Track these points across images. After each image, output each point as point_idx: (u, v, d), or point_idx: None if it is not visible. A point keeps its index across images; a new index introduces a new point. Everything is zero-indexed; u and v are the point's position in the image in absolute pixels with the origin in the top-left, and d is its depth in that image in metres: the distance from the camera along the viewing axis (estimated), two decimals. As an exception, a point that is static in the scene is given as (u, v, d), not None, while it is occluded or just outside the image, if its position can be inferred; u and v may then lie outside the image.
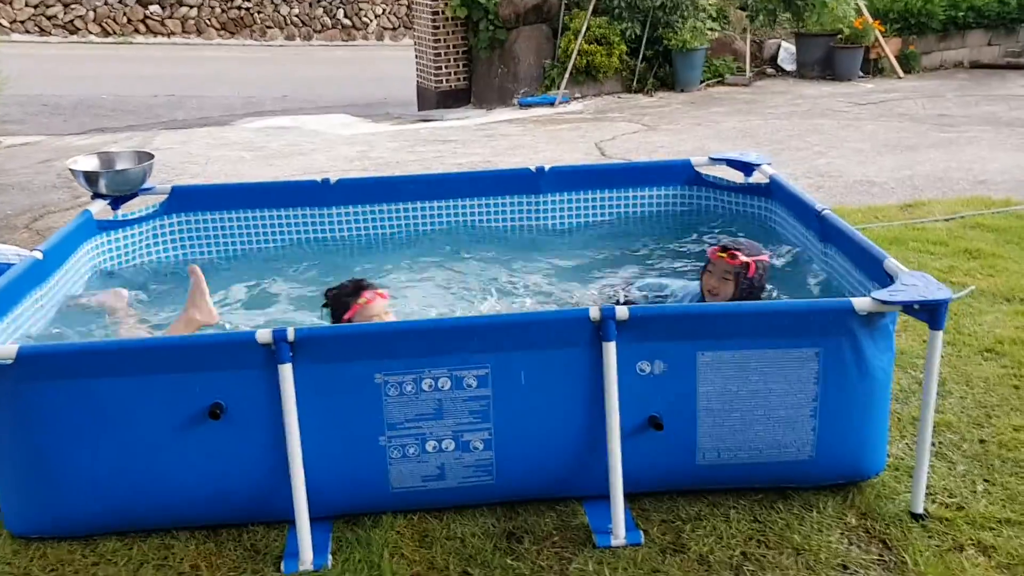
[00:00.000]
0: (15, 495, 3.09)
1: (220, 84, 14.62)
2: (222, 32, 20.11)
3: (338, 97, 14.13)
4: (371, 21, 21.37)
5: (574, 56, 11.87)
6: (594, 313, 2.98)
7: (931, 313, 2.96)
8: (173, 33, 19.57)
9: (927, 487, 3.20)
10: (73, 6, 18.85)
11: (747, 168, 4.66)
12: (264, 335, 2.92)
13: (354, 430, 3.04)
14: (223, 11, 20.03)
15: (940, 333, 2.99)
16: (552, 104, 11.75)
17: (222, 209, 4.66)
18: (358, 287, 3.53)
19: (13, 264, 3.80)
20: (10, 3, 18.48)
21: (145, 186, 4.52)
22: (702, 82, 12.58)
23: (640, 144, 9.15)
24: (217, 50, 19.06)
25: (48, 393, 2.93)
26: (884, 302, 2.96)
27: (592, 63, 12.08)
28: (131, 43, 18.93)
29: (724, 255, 3.74)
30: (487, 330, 3.02)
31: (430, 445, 3.06)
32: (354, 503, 3.15)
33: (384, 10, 21.33)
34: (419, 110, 13.05)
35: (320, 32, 21.15)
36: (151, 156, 4.53)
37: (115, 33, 19.12)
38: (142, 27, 19.38)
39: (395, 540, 3.08)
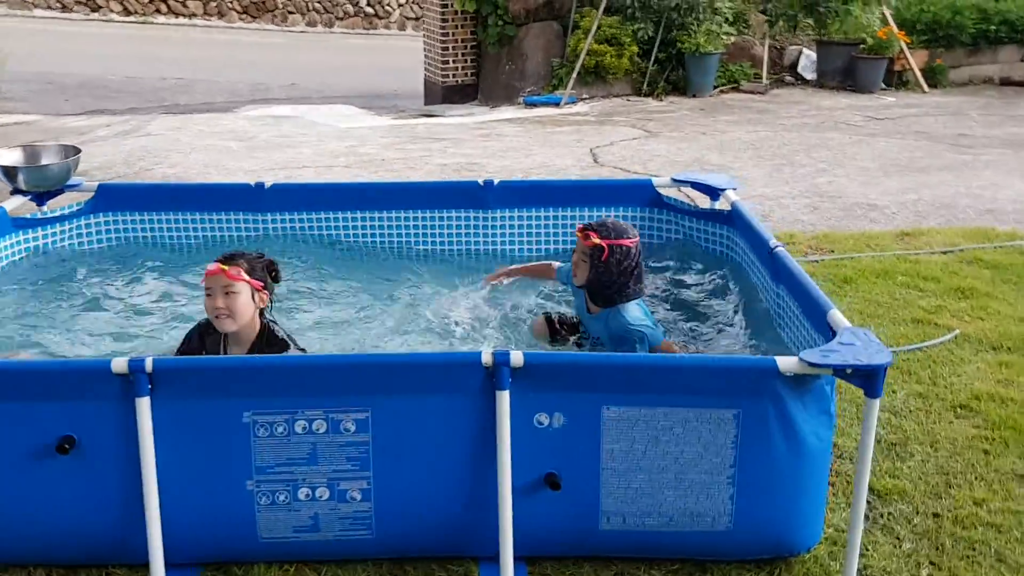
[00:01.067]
0: None
1: (232, 69, 14.43)
2: (244, 15, 19.96)
3: (348, 87, 13.89)
4: (393, 10, 21.11)
5: (583, 56, 11.53)
6: (486, 358, 2.68)
7: (866, 379, 2.63)
8: (195, 15, 19.44)
9: (864, 567, 2.88)
10: (95, -16, 18.82)
11: (713, 192, 4.32)
12: (119, 364, 2.65)
13: (219, 473, 2.76)
14: (245, -6, 19.90)
15: (876, 402, 2.65)
16: (557, 104, 11.42)
17: (151, 210, 4.40)
18: (222, 256, 3.31)
19: None
20: (32, -22, 18.49)
21: (71, 182, 4.28)
22: (716, 88, 12.19)
23: (636, 152, 8.81)
24: (236, 34, 18.90)
25: None
26: (812, 364, 2.63)
27: (601, 64, 11.73)
28: (152, 23, 18.83)
29: (581, 234, 3.50)
30: (368, 369, 2.73)
31: (303, 493, 2.78)
32: (220, 551, 2.87)
33: (407, -1, 21.09)
34: (425, 104, 12.78)
35: (342, 20, 20.93)
36: (77, 151, 4.29)
37: (136, 12, 19.02)
38: (164, 7, 19.27)
39: (264, 593, 2.81)
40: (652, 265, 4.37)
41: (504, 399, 2.69)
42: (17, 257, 4.18)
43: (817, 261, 5.67)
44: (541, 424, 2.75)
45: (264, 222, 4.43)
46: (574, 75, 11.58)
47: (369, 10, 21.15)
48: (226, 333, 3.28)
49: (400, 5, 21.17)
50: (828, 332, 2.96)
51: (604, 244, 3.43)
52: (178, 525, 2.77)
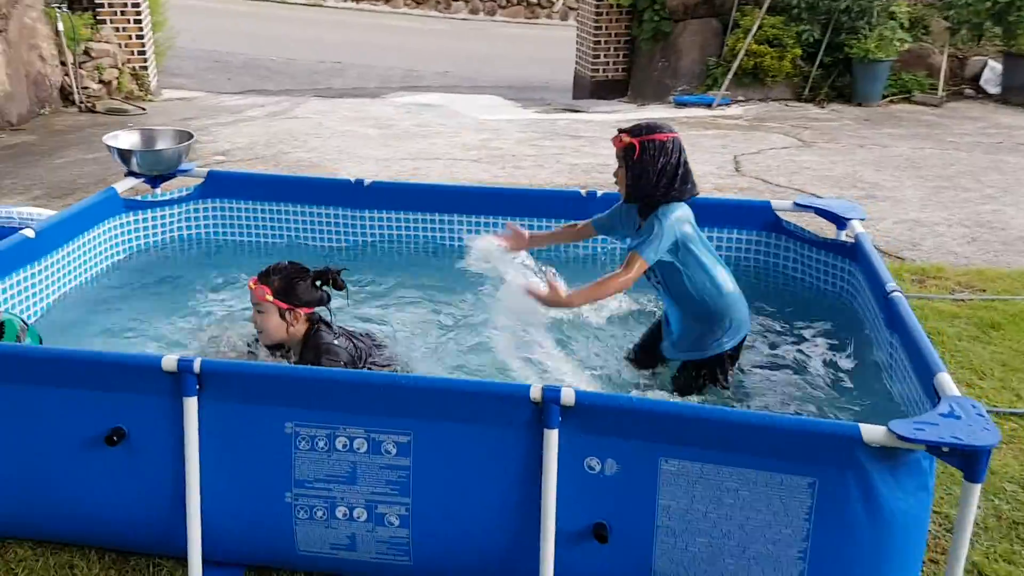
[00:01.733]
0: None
1: (389, 54, 14.68)
2: (409, 1, 20.30)
3: (499, 77, 13.86)
4: (557, 1, 20.96)
5: (741, 56, 11.03)
6: (535, 393, 2.49)
7: (966, 461, 2.29)
8: (362, -1, 19.95)
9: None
10: (271, -35, 19.58)
11: (839, 220, 3.94)
12: (169, 362, 2.62)
13: (260, 481, 2.70)
14: (412, -20, 20.24)
15: (976, 488, 2.30)
16: (710, 105, 10.98)
17: (256, 199, 4.42)
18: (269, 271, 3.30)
19: (17, 228, 3.71)
20: (214, -42, 19.39)
21: (183, 167, 4.35)
22: (884, 97, 11.41)
23: (784, 162, 8.32)
24: (400, 19, 19.25)
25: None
26: (902, 437, 2.31)
27: (760, 65, 11.19)
28: (323, 6, 19.43)
29: (615, 137, 3.27)
30: (411, 392, 2.59)
31: (340, 511, 2.68)
32: (260, 556, 2.82)
33: (572, -11, 20.88)
34: (573, 98, 12.59)
35: (504, 8, 20.96)
36: (190, 136, 4.35)
37: (308, -6, 19.71)
38: (333, -10, 19.88)
39: (298, 605, 2.74)
40: (762, 293, 4.04)
41: (552, 438, 2.50)
42: (127, 237, 4.29)
43: (963, 300, 5.13)
44: (591, 469, 2.54)
45: (362, 219, 4.38)
46: (730, 76, 11.10)
47: (532, 0, 21.09)
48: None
49: None
50: (934, 397, 2.60)
51: (635, 142, 3.18)
52: (219, 525, 2.73)
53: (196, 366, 2.61)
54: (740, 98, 11.30)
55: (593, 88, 12.28)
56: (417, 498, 2.64)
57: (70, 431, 2.74)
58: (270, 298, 3.22)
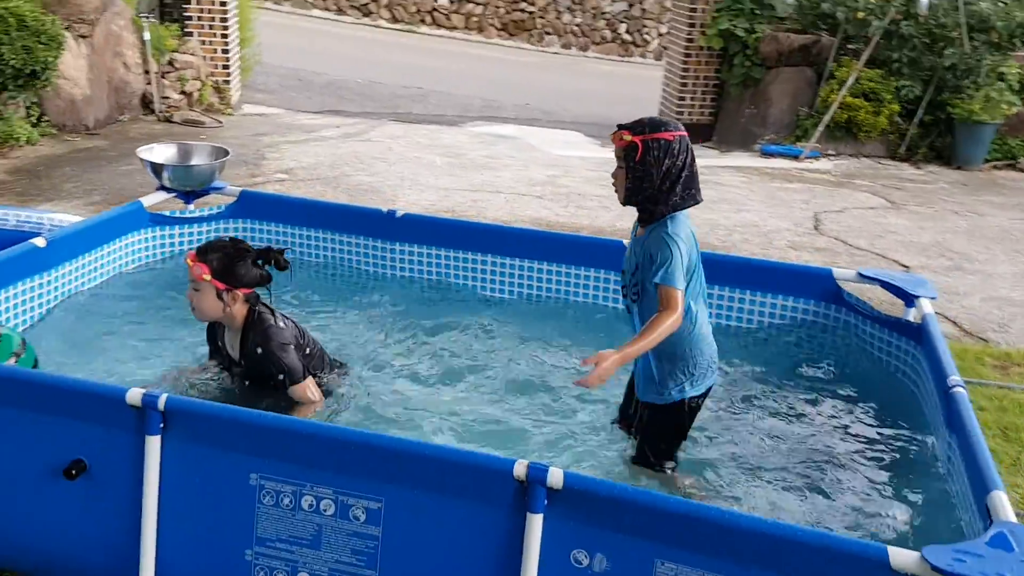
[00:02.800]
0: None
1: (473, 82, 14.62)
2: (502, 32, 20.32)
3: (582, 113, 13.65)
4: (652, 39, 20.72)
5: (834, 108, 10.57)
6: (519, 470, 2.22)
7: (1016, 600, 1.92)
8: (456, 28, 20.02)
9: None
10: (371, -10, 19.85)
11: (908, 297, 3.57)
12: (134, 396, 2.44)
13: (221, 533, 2.48)
14: (507, 12, 20.22)
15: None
16: (797, 157, 10.54)
17: (286, 222, 4.27)
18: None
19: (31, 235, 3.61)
20: (315, -21, 19.79)
21: (216, 184, 4.22)
22: (986, 162, 10.81)
23: (869, 224, 7.86)
24: (491, 49, 19.26)
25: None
26: (936, 568, 1.95)
27: (854, 119, 10.71)
28: (415, 32, 19.57)
29: (615, 134, 2.89)
30: (382, 452, 2.34)
31: (302, 578, 2.44)
32: (216, 616, 2.59)
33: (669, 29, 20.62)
34: (656, 140, 12.29)
35: (598, 44, 20.81)
36: (226, 153, 4.22)
37: (403, 21, 19.86)
38: (428, 18, 19.99)
39: (251, 677, 2.49)
40: (815, 369, 3.67)
41: (535, 524, 2.22)
42: (149, 252, 4.17)
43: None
44: (578, 564, 2.25)
45: (392, 251, 4.18)
46: (821, 128, 10.65)
47: (627, 37, 20.89)
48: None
49: (660, 35, 20.74)
50: (987, 518, 2.24)
51: (638, 141, 2.82)
52: (175, 573, 2.52)
53: (160, 403, 2.42)
54: (830, 152, 10.83)
55: (677, 131, 11.95)
56: (385, 573, 2.38)
57: (33, 457, 2.58)
58: (207, 277, 3.08)
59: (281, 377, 3.14)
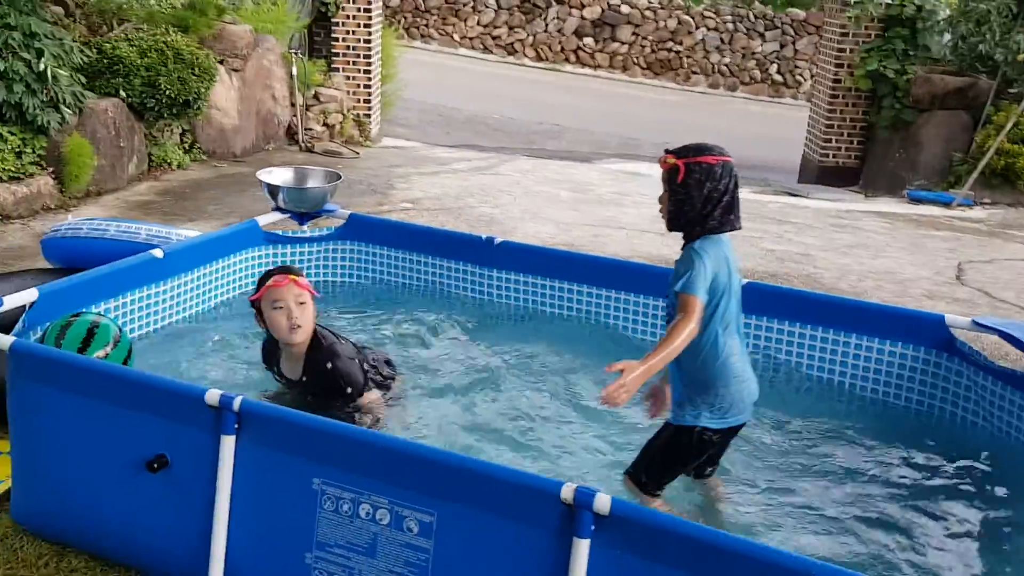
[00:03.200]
0: (18, 483, 3.03)
1: (611, 121, 14.66)
2: (646, 71, 20.31)
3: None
4: (804, 80, 20.23)
5: (990, 154, 10.00)
6: (566, 493, 2.17)
7: None
8: (600, 67, 20.16)
9: None
10: (516, 30, 20.22)
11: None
12: (212, 396, 2.53)
13: (283, 535, 2.54)
14: (652, 51, 20.22)
15: None
16: (948, 204, 10.00)
17: (390, 245, 4.38)
18: (274, 271, 3.32)
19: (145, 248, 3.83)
20: (464, 21, 20.32)
21: (328, 207, 4.38)
22: None
23: (1019, 277, 7.35)
24: (635, 88, 19.28)
25: (32, 392, 2.83)
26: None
27: (1012, 167, 10.08)
28: (559, 71, 19.83)
29: (661, 159, 2.90)
30: (434, 466, 2.34)
31: (358, 585, 2.45)
32: (280, 617, 2.64)
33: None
34: (798, 182, 11.95)
35: (747, 84, 20.49)
36: (338, 177, 4.37)
37: (547, 60, 20.17)
38: (573, 57, 20.21)
39: None
40: (920, 421, 3.43)
41: (582, 550, 2.16)
42: (264, 269, 4.35)
43: None
44: (628, 593, 2.16)
45: (489, 276, 4.22)
46: (975, 174, 10.08)
47: (778, 78, 20.49)
48: (291, 348, 3.30)
49: (813, 76, 20.23)
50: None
51: (680, 164, 2.80)
52: (241, 572, 2.58)
53: (236, 404, 2.51)
54: (985, 200, 10.22)
55: (820, 173, 11.60)
56: (438, 588, 2.36)
57: (120, 449, 2.71)
58: (310, 286, 3.25)
59: (349, 391, 3.23)
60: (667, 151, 2.92)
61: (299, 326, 3.23)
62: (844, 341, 3.69)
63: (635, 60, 20.27)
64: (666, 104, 17.79)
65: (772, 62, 20.47)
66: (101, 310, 3.53)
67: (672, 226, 2.93)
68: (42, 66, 6.09)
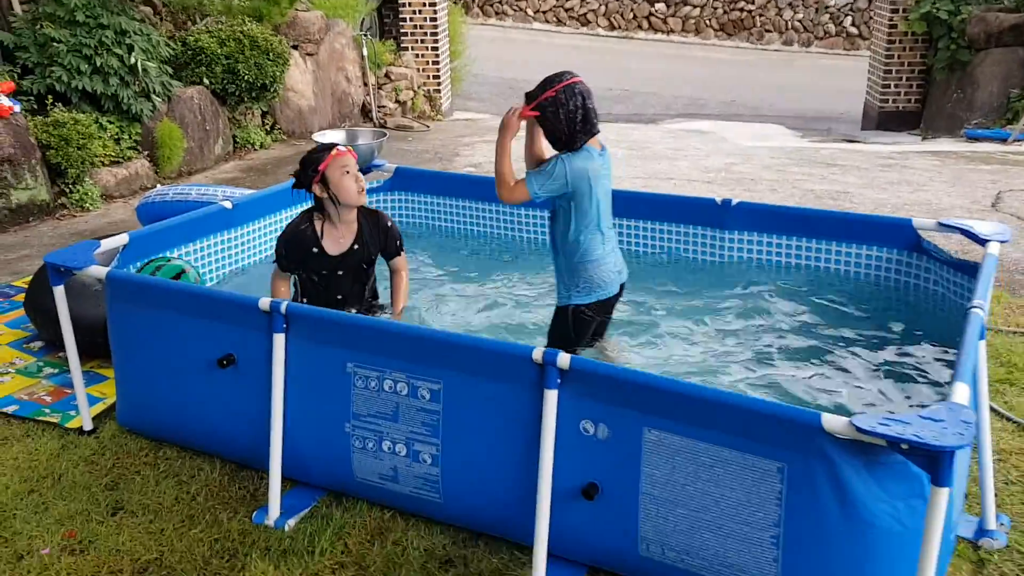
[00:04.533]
0: (122, 394, 3.78)
1: (682, 83, 14.94)
2: (719, 33, 20.40)
3: (791, 107, 13.62)
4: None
5: (1049, 88, 10.02)
6: (536, 354, 2.75)
7: (929, 461, 2.22)
8: (672, 31, 20.36)
9: None
10: (588, 0, 20.59)
11: (982, 241, 3.72)
12: (264, 303, 3.20)
13: (327, 411, 3.18)
14: (725, 12, 20.29)
15: (942, 492, 2.22)
16: (1004, 140, 10.07)
17: (433, 193, 4.99)
18: (328, 145, 3.80)
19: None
20: (537, -5, 20.88)
21: (376, 162, 5.03)
22: None
23: (1059, 201, 7.51)
24: (708, 50, 19.42)
25: (127, 313, 3.56)
26: (860, 429, 2.29)
27: (1073, 98, 10.08)
28: (632, 38, 20.12)
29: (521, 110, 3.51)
30: (438, 345, 2.95)
31: (385, 445, 3.09)
32: (328, 480, 3.30)
33: (898, 20, 19.80)
34: (861, 129, 12.10)
35: (822, 39, 20.34)
36: (383, 135, 5.02)
37: (620, 28, 20.48)
38: (645, 23, 20.47)
39: (353, 525, 3.19)
40: (896, 308, 3.93)
41: (551, 398, 2.74)
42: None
43: None
44: (586, 432, 2.74)
45: (514, 214, 4.82)
46: (1034, 109, 10.12)
47: (853, 30, 20.27)
48: (347, 215, 3.81)
49: (869, 22, 19.97)
50: (949, 405, 2.50)
51: (532, 113, 3.45)
52: (297, 447, 3.25)
53: (283, 307, 3.16)
54: (1044, 133, 10.24)
55: (881, 119, 11.72)
56: (446, 440, 2.99)
57: (196, 353, 3.41)
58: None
59: (398, 243, 3.93)
60: (526, 98, 3.53)
61: (364, 188, 3.74)
62: (826, 248, 4.18)
63: (707, 22, 20.38)
64: (738, 64, 17.91)
65: (846, 15, 20.26)
66: (180, 254, 4.27)
67: (556, 148, 3.54)
68: (133, 60, 6.95)
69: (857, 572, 2.47)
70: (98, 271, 3.54)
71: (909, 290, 4.07)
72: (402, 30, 10.98)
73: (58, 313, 3.66)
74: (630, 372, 2.70)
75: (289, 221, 3.93)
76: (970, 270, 3.70)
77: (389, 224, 3.91)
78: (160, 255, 4.10)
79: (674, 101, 13.59)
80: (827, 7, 20.34)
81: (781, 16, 20.44)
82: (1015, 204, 7.38)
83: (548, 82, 3.48)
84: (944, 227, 3.86)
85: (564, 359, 2.71)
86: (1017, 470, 3.49)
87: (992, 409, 3.88)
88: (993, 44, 10.64)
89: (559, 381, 2.74)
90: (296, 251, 3.82)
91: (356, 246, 3.86)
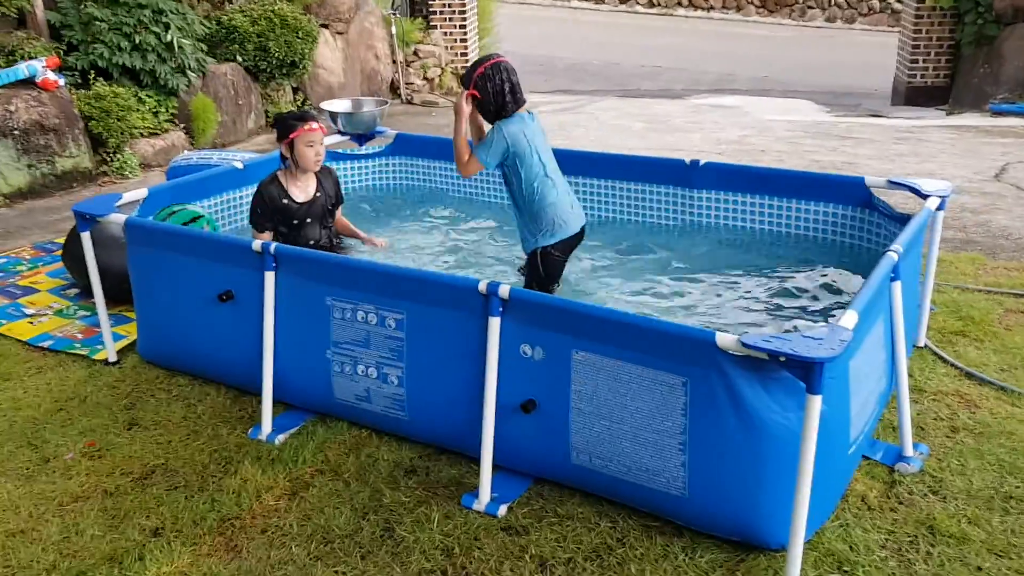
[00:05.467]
0: (141, 329, 4.25)
1: (715, 59, 15.09)
2: (760, 10, 20.42)
3: (822, 83, 13.72)
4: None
5: (1075, 62, 10.04)
6: (481, 286, 3.12)
7: (803, 371, 2.55)
8: (713, 8, 20.42)
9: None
10: (628, -22, 20.79)
11: (924, 196, 3.99)
12: (257, 244, 3.63)
13: (310, 339, 3.60)
14: (765, -11, 20.34)
15: (815, 399, 2.55)
16: (1028, 114, 10.13)
17: (429, 157, 5.39)
18: (304, 115, 4.39)
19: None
20: (575, -26, 21.09)
21: (378, 129, 5.43)
22: None
23: (1065, 171, 7.63)
24: (747, 27, 19.47)
25: (143, 256, 4.02)
26: (746, 345, 2.62)
27: (1099, 72, 10.09)
28: (672, 15, 20.25)
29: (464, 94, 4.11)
30: (401, 279, 3.34)
31: (360, 369, 3.50)
32: (313, 401, 3.73)
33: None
34: (891, 105, 12.19)
35: (866, 16, 20.26)
36: (385, 103, 5.41)
37: (660, 5, 20.60)
38: (685, 1, 20.57)
39: (333, 440, 3.61)
40: (824, 253, 4.25)
41: (494, 325, 3.11)
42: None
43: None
44: (525, 354, 3.11)
45: (489, 175, 5.24)
46: (1061, 83, 10.15)
47: (898, 6, 20.13)
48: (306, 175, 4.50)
49: None
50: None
51: (469, 95, 4.02)
52: (286, 373, 3.68)
53: (272, 248, 3.58)
54: (1069, 108, 10.25)
55: (909, 94, 11.81)
56: (409, 364, 3.38)
57: (201, 291, 3.85)
58: (324, 131, 4.53)
59: (343, 192, 4.71)
60: (462, 81, 4.15)
61: (320, 158, 4.42)
62: (787, 205, 4.50)
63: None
64: (776, 40, 17.96)
65: (892, -10, 20.14)
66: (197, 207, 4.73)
67: (488, 120, 4.08)
68: (169, 37, 7.45)
69: (753, 474, 2.81)
70: (118, 218, 4.00)
71: (858, 242, 4.36)
72: (431, 9, 11.37)
73: (85, 257, 4.13)
74: (560, 300, 3.06)
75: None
76: (902, 220, 3.99)
77: (336, 176, 4.70)
78: (178, 203, 4.55)
79: (703, 77, 13.78)
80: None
81: (824, -7, 20.40)
82: (1018, 175, 7.52)
83: (477, 63, 4.03)
84: (893, 184, 4.14)
85: (504, 290, 3.08)
86: (949, 408, 3.77)
87: (937, 355, 4.17)
88: (1020, 18, 10.67)
89: (501, 310, 3.11)
90: (268, 205, 4.42)
91: (318, 194, 4.55)
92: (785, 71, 14.51)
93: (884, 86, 13.04)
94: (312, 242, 4.50)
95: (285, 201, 4.42)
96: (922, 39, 11.57)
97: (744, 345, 2.63)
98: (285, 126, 4.38)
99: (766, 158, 8.02)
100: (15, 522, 3.20)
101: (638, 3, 20.77)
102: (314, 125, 4.37)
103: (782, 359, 2.57)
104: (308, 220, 4.48)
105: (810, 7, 20.41)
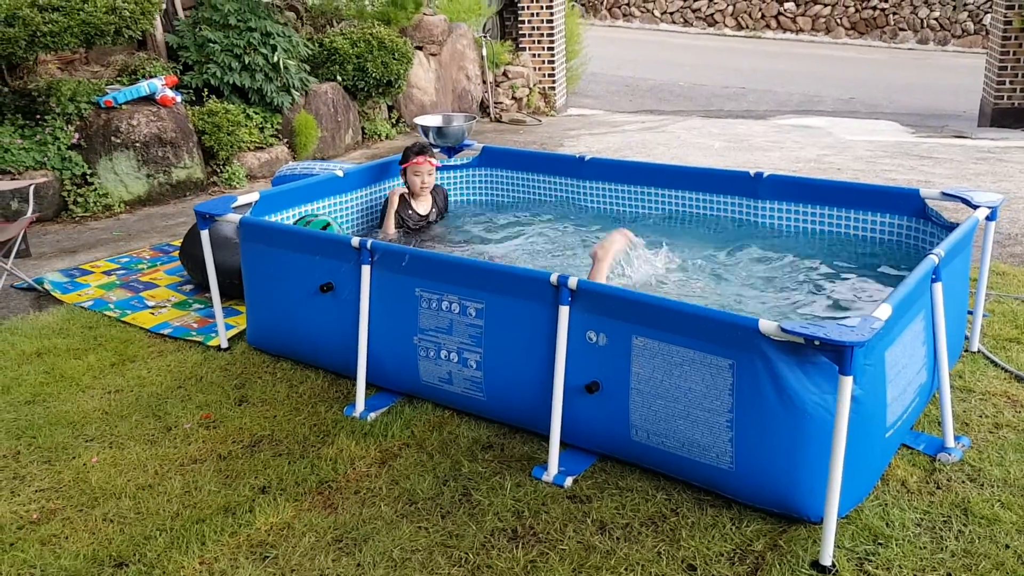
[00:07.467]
0: (250, 318, 4.75)
1: (801, 81, 15.17)
2: (851, 32, 20.35)
3: (911, 105, 13.68)
4: (1020, 29, 19.44)
5: None
6: (553, 278, 3.50)
7: (835, 355, 2.85)
8: (802, 30, 20.45)
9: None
10: (716, 1, 20.93)
11: (974, 206, 4.21)
12: (355, 241, 4.07)
13: (400, 327, 4.02)
14: (856, 11, 20.22)
15: (847, 380, 2.84)
16: (1119, 136, 10.02)
17: (514, 168, 5.80)
18: (422, 149, 5.31)
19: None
20: (664, -3, 21.40)
21: (466, 142, 5.87)
22: None
23: None
24: (837, 49, 19.43)
25: (254, 252, 4.51)
26: (784, 330, 2.93)
27: None
28: (760, 37, 20.34)
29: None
30: (481, 272, 3.73)
31: (443, 353, 3.90)
32: (401, 384, 4.14)
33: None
34: (978, 126, 12.12)
35: (959, 38, 19.99)
36: (473, 118, 5.85)
37: (748, 28, 20.72)
38: (774, 23, 20.64)
39: (419, 419, 4.02)
40: (878, 259, 4.47)
41: (564, 313, 3.48)
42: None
43: None
44: (590, 340, 3.46)
45: (582, 187, 5.56)
46: None
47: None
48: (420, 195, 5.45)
49: (984, 20, 19.42)
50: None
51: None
52: (379, 357, 4.11)
53: (368, 244, 4.02)
54: None
55: (995, 116, 11.74)
56: (487, 349, 3.77)
57: (304, 282, 4.31)
58: (435, 165, 5.45)
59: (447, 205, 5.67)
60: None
61: (425, 186, 5.37)
62: (847, 215, 4.77)
63: (838, 21, 20.37)
64: (866, 62, 17.90)
65: (987, 11, 19.83)
66: (301, 211, 5.22)
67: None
68: (275, 58, 8.07)
69: (793, 450, 3.10)
70: (233, 217, 4.51)
71: (913, 251, 4.59)
72: (520, 32, 11.85)
73: (203, 254, 4.65)
74: (622, 291, 3.41)
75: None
76: (950, 228, 4.22)
77: (446, 193, 5.73)
78: (310, 213, 5.09)
79: (789, 98, 13.89)
80: (966, 4, 19.97)
81: (916, 14, 20.22)
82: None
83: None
84: (947, 196, 4.36)
85: (573, 281, 3.45)
86: (995, 407, 3.97)
87: (990, 359, 4.36)
88: (1111, 38, 10.56)
89: (570, 300, 3.47)
90: (393, 210, 5.33)
91: (434, 208, 5.32)
92: (873, 93, 14.51)
93: (972, 108, 12.95)
94: (426, 240, 5.43)
95: (409, 211, 5.41)
96: (1009, 60, 11.51)
97: (784, 331, 2.93)
98: (404, 155, 5.39)
99: (841, 176, 8.19)
100: (144, 478, 3.69)
101: (726, 26, 20.94)
102: (423, 160, 5.21)
103: (816, 343, 2.86)
104: (428, 222, 5.50)
105: (901, 29, 20.25)
